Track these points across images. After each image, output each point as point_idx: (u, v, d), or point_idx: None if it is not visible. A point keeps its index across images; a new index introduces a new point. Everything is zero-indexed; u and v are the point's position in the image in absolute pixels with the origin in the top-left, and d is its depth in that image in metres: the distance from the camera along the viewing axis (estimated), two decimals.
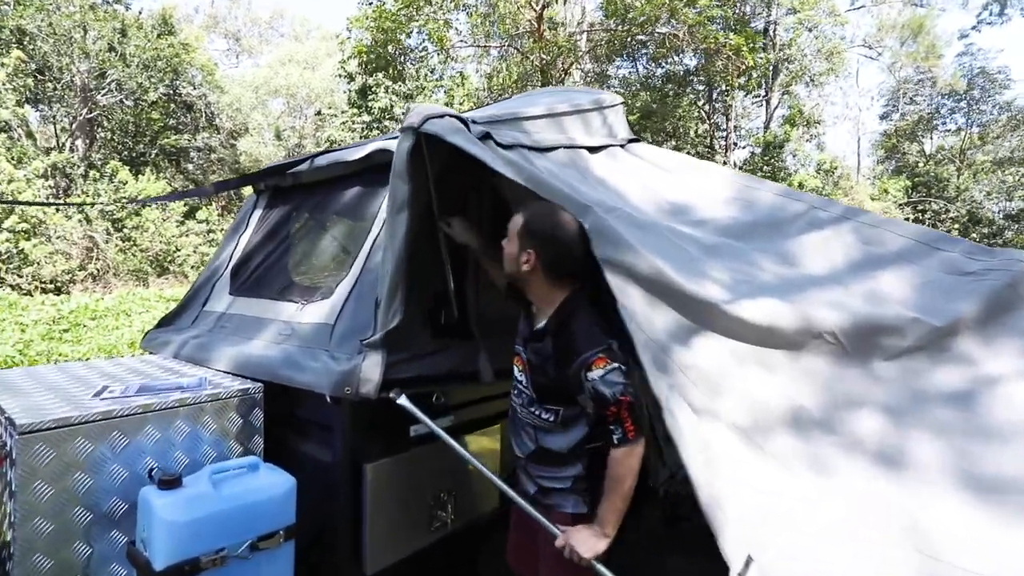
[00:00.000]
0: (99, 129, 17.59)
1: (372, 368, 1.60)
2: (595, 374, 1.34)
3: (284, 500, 1.50)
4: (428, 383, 1.82)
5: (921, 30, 20.30)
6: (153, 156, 18.23)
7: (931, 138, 24.21)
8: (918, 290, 2.16)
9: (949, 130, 23.58)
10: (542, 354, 1.49)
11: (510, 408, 1.68)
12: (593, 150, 2.73)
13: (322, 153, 2.48)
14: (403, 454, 1.81)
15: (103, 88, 16.43)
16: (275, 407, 1.88)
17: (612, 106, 3.05)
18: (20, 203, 5.15)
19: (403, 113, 14.82)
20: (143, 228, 14.27)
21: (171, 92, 18.19)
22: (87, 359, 5.98)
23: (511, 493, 1.51)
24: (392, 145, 2.13)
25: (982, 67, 21.27)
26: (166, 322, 2.75)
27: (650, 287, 1.87)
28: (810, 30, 16.53)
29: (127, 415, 1.46)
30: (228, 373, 1.99)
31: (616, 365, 1.37)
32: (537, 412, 1.54)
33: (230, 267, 2.70)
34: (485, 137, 1.97)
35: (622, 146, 2.94)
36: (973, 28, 19.86)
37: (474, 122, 2.01)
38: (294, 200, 2.65)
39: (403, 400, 1.57)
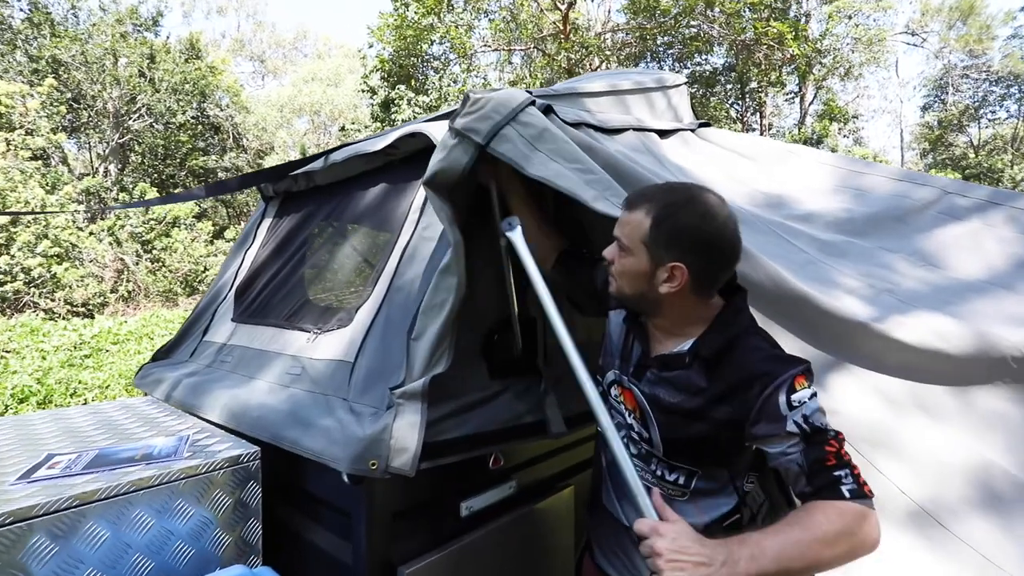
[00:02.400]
0: (131, 153, 17.91)
1: (407, 431, 1.11)
2: (801, 396, 0.90)
3: None
4: (485, 443, 1.32)
5: (972, 11, 19.14)
6: (182, 178, 18.45)
7: (979, 127, 22.84)
8: None
9: (999, 118, 22.23)
10: (681, 386, 1.00)
11: (604, 464, 1.19)
12: (663, 134, 2.25)
13: (340, 147, 2.04)
14: (453, 545, 1.31)
15: (134, 113, 16.72)
16: (278, 475, 1.41)
17: (676, 86, 2.57)
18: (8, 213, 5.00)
19: None
20: (172, 249, 14.29)
21: (199, 114, 18.43)
22: (107, 386, 5.71)
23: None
24: (426, 129, 1.67)
25: None
26: (162, 355, 2.33)
27: (769, 304, 1.38)
28: (850, 17, 15.68)
29: (56, 511, 1.01)
30: (220, 427, 1.53)
31: (815, 391, 0.93)
32: (659, 471, 1.06)
33: (234, 288, 2.28)
34: (547, 111, 1.52)
35: (692, 131, 2.45)
36: (1022, 9, 18.70)
37: (530, 93, 1.57)
38: (308, 206, 2.21)
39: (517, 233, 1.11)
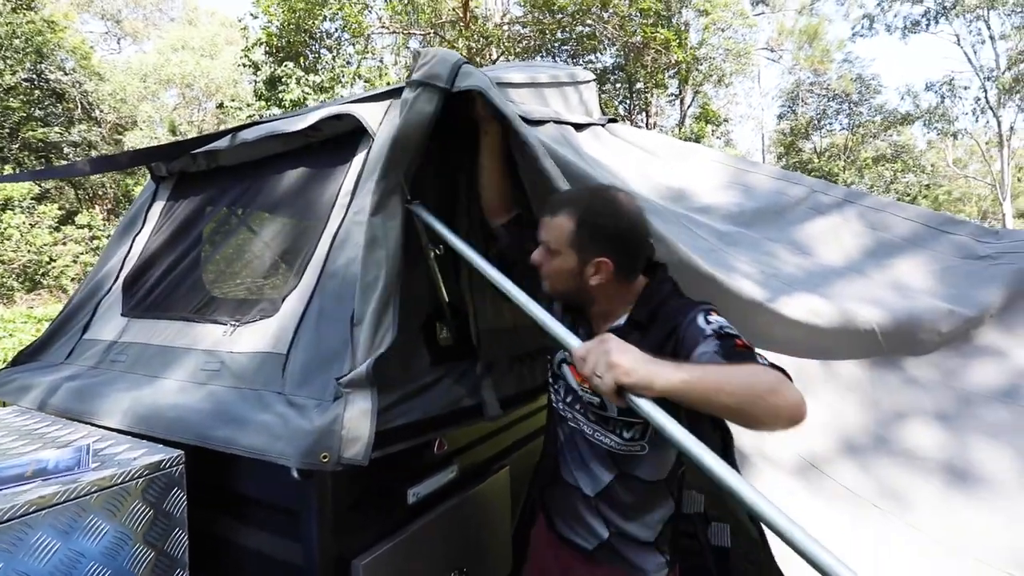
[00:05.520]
0: None
1: (359, 420, 1.09)
2: (716, 318, 1.03)
3: None
4: (431, 429, 1.32)
5: (816, 36, 22.13)
6: (15, 151, 15.53)
7: (820, 136, 26.55)
8: (938, 278, 2.01)
9: (834, 130, 26.02)
10: None
11: (560, 439, 1.29)
12: (578, 127, 2.38)
13: (248, 125, 1.88)
14: (403, 534, 1.30)
15: None
16: (202, 479, 1.30)
17: (587, 82, 2.72)
18: None
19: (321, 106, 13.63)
20: (4, 236, 12.05)
21: (35, 77, 15.60)
22: None
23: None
24: (354, 110, 1.60)
25: (859, 73, 23.61)
26: (25, 358, 2.00)
27: (682, 285, 1.56)
28: (723, 31, 17.37)
29: None
30: (125, 433, 1.37)
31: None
32: (617, 431, 1.17)
33: (121, 279, 2.01)
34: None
35: (602, 125, 2.61)
36: (850, 38, 22.04)
37: None
38: (210, 189, 2.01)
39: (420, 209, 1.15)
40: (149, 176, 2.22)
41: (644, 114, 20.61)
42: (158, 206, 2.13)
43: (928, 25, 20.35)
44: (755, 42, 20.22)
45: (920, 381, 1.69)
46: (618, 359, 0.84)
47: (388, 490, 1.30)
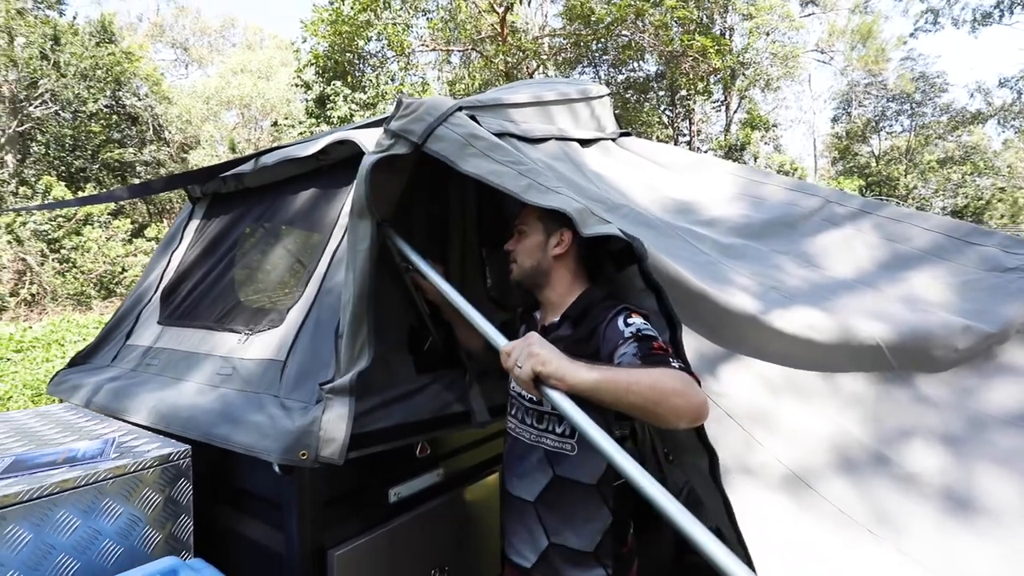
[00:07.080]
0: (32, 143, 16.32)
1: (336, 423, 1.20)
2: (635, 320, 1.13)
3: None
4: (412, 433, 1.42)
5: (870, 35, 21.13)
6: (95, 171, 17.03)
7: (879, 139, 25.18)
8: (958, 291, 1.92)
9: (895, 132, 24.61)
10: (557, 340, 1.21)
11: (508, 443, 1.37)
12: (585, 143, 2.42)
13: (270, 150, 2.06)
14: (381, 529, 1.40)
15: (35, 99, 15.27)
16: (211, 474, 1.44)
17: (599, 97, 2.75)
18: None
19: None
20: (84, 248, 13.19)
21: (114, 103, 17.10)
22: (8, 398, 5.26)
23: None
24: (355, 136, 1.74)
25: (922, 72, 22.30)
26: (80, 360, 2.25)
27: (674, 304, 1.58)
28: (767, 34, 16.90)
29: None
30: (148, 429, 1.54)
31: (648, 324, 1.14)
32: (550, 427, 1.25)
33: (160, 291, 2.23)
34: (471, 120, 1.63)
35: (613, 140, 2.64)
36: (911, 35, 20.83)
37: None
38: (238, 208, 2.21)
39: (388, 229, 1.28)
40: (187, 198, 2.46)
41: (687, 121, 20.26)
42: (193, 224, 2.36)
43: (1002, 16, 18.92)
44: (804, 44, 19.53)
45: (931, 400, 1.62)
46: (538, 351, 0.95)
47: (367, 488, 1.40)
